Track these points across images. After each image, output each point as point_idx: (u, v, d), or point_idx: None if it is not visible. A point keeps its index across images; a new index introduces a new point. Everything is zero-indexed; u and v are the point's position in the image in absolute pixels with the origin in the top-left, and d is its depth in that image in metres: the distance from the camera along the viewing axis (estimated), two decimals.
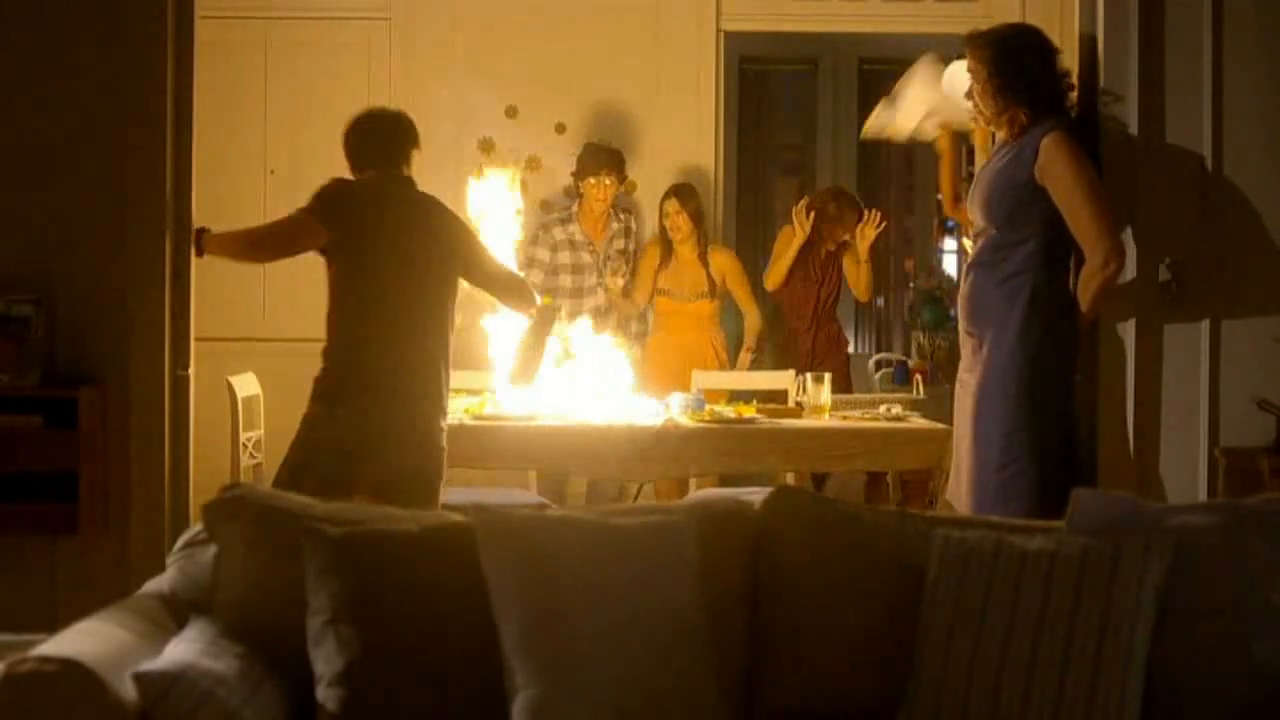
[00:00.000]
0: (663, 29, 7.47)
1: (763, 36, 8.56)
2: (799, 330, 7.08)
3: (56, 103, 4.23)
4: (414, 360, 4.45)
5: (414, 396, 4.45)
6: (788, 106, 10.39)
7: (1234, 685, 2.75)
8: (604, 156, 6.93)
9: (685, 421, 5.27)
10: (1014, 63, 4.17)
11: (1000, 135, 4.30)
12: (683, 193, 6.96)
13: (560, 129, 7.43)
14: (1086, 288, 4.13)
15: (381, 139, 4.54)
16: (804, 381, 5.56)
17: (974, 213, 4.29)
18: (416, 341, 4.46)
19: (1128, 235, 4.20)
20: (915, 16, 7.66)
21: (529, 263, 6.76)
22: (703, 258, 6.95)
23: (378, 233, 4.42)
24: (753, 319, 7.08)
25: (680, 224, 6.89)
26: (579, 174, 6.98)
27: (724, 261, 7.02)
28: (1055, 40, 4.28)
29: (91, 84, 4.21)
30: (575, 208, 7.03)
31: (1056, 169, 4.08)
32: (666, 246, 6.96)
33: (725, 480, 6.31)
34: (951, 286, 9.05)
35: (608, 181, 6.88)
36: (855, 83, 9.80)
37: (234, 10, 6.94)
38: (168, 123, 4.23)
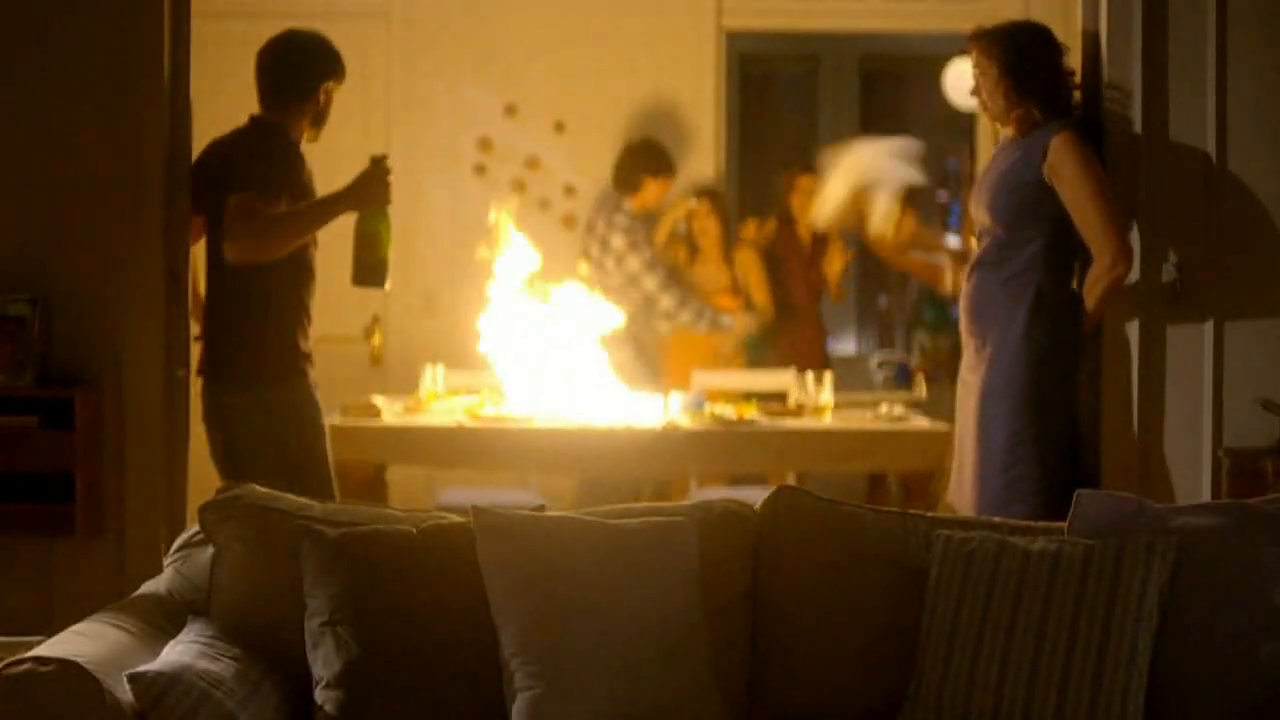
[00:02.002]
0: (663, 28, 7.45)
1: (764, 35, 8.55)
2: (786, 315, 7.06)
3: (52, 102, 4.20)
4: (215, 336, 4.26)
5: (222, 381, 4.24)
6: (789, 106, 10.37)
7: (1238, 686, 2.75)
8: (665, 156, 6.90)
9: (685, 422, 5.25)
10: (1026, 60, 4.15)
11: (1006, 133, 4.28)
12: (714, 196, 6.99)
13: (559, 128, 7.40)
14: (1093, 288, 4.11)
15: (259, 75, 4.33)
16: (805, 381, 5.55)
17: (978, 212, 4.27)
18: (216, 313, 4.27)
19: (1132, 234, 4.18)
20: (918, 14, 7.64)
21: (649, 266, 6.66)
22: (727, 258, 6.95)
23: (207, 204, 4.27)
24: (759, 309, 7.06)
25: (709, 227, 6.92)
26: (646, 172, 6.83)
27: (748, 259, 7.01)
28: (1058, 37, 4.26)
29: (87, 82, 4.19)
30: (629, 205, 6.92)
31: (1066, 169, 4.07)
32: (691, 248, 6.96)
33: (728, 481, 6.29)
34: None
35: (666, 180, 6.88)
36: (857, 82, 9.76)
37: (230, 8, 6.91)
38: (163, 121, 4.21)
